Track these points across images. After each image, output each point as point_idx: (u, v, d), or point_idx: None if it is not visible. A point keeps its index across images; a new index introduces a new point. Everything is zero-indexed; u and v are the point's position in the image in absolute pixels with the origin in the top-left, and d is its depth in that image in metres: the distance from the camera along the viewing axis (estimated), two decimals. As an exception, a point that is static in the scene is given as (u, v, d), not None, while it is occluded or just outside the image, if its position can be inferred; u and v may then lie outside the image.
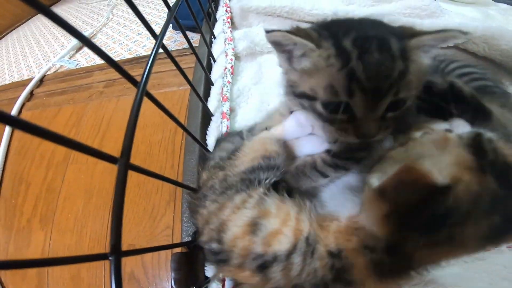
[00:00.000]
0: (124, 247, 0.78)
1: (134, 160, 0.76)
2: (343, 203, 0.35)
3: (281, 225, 0.33)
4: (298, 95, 0.34)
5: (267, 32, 0.31)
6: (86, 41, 0.24)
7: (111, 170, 0.71)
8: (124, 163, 0.24)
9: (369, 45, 0.28)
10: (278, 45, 0.32)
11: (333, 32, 0.31)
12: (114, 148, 0.75)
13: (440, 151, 0.26)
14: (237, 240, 0.33)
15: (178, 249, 0.44)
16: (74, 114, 0.85)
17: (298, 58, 0.32)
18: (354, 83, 0.28)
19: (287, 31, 0.30)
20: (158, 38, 0.36)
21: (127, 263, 0.64)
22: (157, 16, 1.29)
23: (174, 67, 0.80)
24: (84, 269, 0.64)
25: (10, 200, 0.70)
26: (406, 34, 0.30)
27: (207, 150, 0.50)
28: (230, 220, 0.34)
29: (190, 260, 0.41)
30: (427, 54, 0.32)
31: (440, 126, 0.34)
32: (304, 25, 0.72)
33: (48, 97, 0.93)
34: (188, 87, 0.64)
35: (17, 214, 0.68)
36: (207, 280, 0.44)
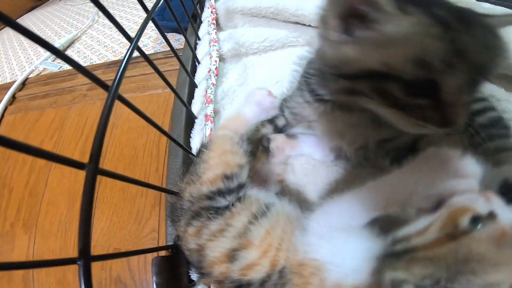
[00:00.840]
0: (110, 250, 0.77)
1: (119, 164, 0.76)
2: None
3: (260, 257, 0.32)
4: (353, 75, 0.27)
5: None
6: (53, 50, 0.24)
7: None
8: (92, 169, 0.24)
9: (467, 16, 0.24)
10: (340, 5, 0.26)
11: (415, 1, 0.25)
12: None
13: (497, 250, 0.21)
14: (215, 266, 0.34)
15: (163, 253, 0.44)
16: (57, 117, 0.83)
17: (371, 24, 0.25)
18: (457, 57, 0.23)
19: None
20: (132, 41, 0.36)
21: (113, 267, 0.63)
22: (141, 17, 1.29)
23: (160, 69, 0.79)
24: (70, 273, 0.64)
25: (-7, 205, 0.69)
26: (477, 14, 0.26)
27: (191, 153, 0.49)
28: (208, 247, 0.34)
29: (172, 264, 0.41)
30: None
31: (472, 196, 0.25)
32: (290, 26, 0.73)
33: (31, 100, 0.91)
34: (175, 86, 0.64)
35: (0, 218, 0.67)
36: (192, 284, 0.43)
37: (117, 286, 0.62)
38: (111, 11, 0.35)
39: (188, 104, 0.58)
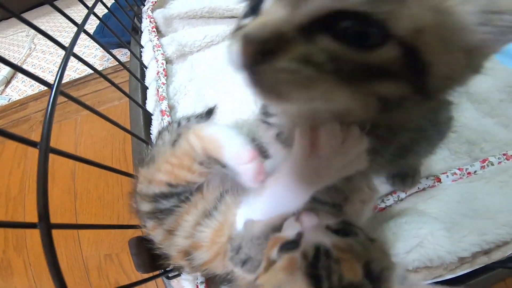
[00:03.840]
0: (101, 256, 0.81)
1: (90, 176, 0.81)
2: None
3: (213, 258, 0.33)
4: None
5: None
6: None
7: (68, 191, 0.73)
8: (44, 225, 0.27)
9: None
10: None
11: None
12: (66, 170, 0.76)
13: (289, 279, 0.23)
14: (178, 260, 0.36)
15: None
16: (19, 147, 0.83)
17: None
18: None
19: None
20: (67, 49, 0.39)
21: (109, 274, 0.66)
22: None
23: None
24: None
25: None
26: None
27: (149, 144, 0.55)
28: (165, 244, 0.36)
29: (150, 244, 0.39)
30: None
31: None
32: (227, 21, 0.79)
33: (-15, 136, 0.90)
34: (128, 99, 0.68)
35: None
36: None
37: None
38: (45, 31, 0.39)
39: (142, 106, 0.63)
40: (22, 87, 1.10)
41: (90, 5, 0.57)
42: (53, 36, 0.39)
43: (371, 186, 0.34)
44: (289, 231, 0.28)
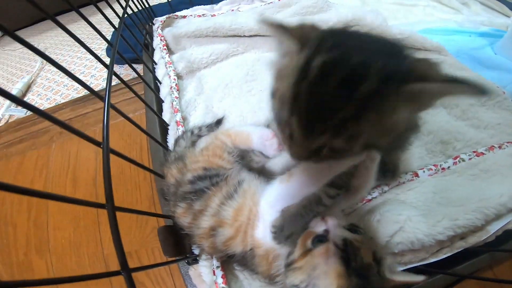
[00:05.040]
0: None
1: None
2: None
3: (235, 235, 0.41)
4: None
5: (263, 21, 0.30)
6: (11, 98, 0.27)
7: (90, 194, 0.80)
8: (111, 206, 0.32)
9: (334, 73, 0.25)
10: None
11: (330, 41, 0.27)
12: (87, 177, 0.83)
13: (325, 261, 0.33)
14: (202, 240, 0.43)
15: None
16: (39, 158, 0.90)
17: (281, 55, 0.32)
18: (296, 105, 0.27)
19: (281, 26, 0.29)
20: (110, 67, 0.47)
21: None
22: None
23: (127, 97, 0.94)
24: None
25: (1, 240, 0.75)
26: (412, 74, 0.25)
27: (170, 150, 0.63)
28: (194, 224, 0.43)
29: (174, 232, 0.47)
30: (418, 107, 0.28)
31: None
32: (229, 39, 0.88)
33: (8, 147, 0.96)
34: (143, 111, 0.76)
35: (12, 251, 0.73)
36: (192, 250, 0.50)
37: (137, 287, 0.72)
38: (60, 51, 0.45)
39: (159, 115, 0.71)
40: (38, 100, 1.17)
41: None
42: (64, 49, 0.45)
43: (371, 155, 0.39)
44: (318, 228, 0.38)
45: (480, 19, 1.03)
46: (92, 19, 0.46)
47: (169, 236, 0.47)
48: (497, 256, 0.54)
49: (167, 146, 0.66)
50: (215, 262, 0.49)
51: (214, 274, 0.48)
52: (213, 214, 0.42)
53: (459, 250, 0.49)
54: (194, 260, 0.52)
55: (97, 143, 0.35)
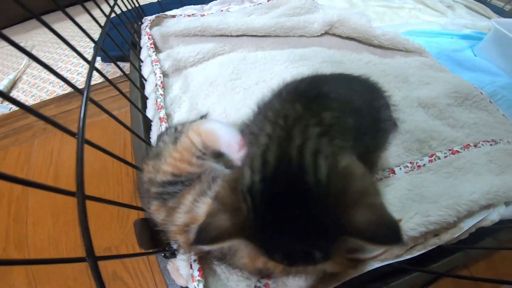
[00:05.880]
0: (101, 249, 0.88)
1: (91, 178, 0.91)
2: None
3: None
4: None
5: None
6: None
7: (73, 188, 0.79)
8: (81, 194, 0.32)
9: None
10: None
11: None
12: (69, 171, 0.82)
13: None
14: (177, 236, 0.43)
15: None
16: (22, 153, 0.89)
17: None
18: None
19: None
20: (91, 63, 0.47)
21: (108, 265, 0.70)
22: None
23: (112, 94, 0.93)
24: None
25: (-21, 236, 0.74)
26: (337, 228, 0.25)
27: (150, 145, 0.63)
28: (168, 220, 0.43)
29: (151, 225, 0.46)
30: None
31: None
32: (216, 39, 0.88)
33: (-9, 143, 0.95)
34: (128, 108, 0.76)
35: None
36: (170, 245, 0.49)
37: (116, 282, 0.68)
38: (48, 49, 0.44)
39: (143, 112, 0.71)
40: (23, 97, 1.15)
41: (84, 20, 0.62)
42: (51, 47, 0.44)
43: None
44: None
45: (463, 22, 1.06)
46: (82, 18, 0.45)
47: (145, 229, 0.46)
48: (472, 255, 0.55)
49: (150, 142, 0.66)
50: (193, 256, 0.49)
51: (191, 267, 0.49)
52: (186, 211, 0.42)
53: (433, 247, 0.50)
54: (173, 254, 0.51)
55: (72, 133, 0.34)
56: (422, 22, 1.08)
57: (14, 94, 1.20)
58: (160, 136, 0.63)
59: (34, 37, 1.66)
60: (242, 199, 0.27)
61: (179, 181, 0.45)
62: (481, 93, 0.75)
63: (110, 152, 0.43)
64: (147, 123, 0.70)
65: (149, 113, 0.72)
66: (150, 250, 0.47)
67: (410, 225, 0.49)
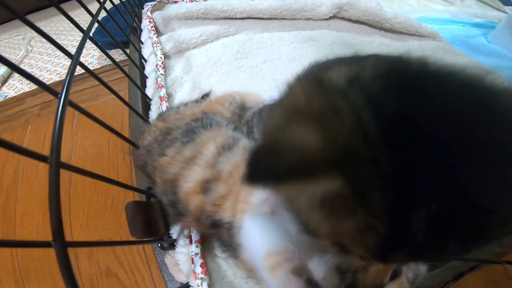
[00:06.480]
0: (95, 240, 0.79)
1: (85, 163, 0.84)
2: None
3: (228, 193, 0.33)
4: None
5: None
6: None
7: (64, 176, 0.74)
8: (54, 161, 0.26)
9: None
10: None
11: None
12: (63, 156, 0.77)
13: None
14: (190, 196, 0.35)
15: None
16: (14, 139, 0.84)
17: None
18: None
19: None
20: (73, 57, 0.38)
21: (100, 260, 0.65)
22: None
23: (111, 79, 0.88)
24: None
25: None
26: None
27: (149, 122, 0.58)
28: (182, 176, 0.35)
29: (146, 209, 0.40)
30: None
31: None
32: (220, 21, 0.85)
33: (-16, 130, 0.90)
34: (126, 91, 0.71)
35: None
36: (169, 233, 0.44)
37: (109, 278, 0.63)
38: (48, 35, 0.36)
39: (141, 89, 0.66)
40: (19, 85, 1.12)
41: (91, 9, 0.59)
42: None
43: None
44: None
45: (473, 11, 1.03)
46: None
47: (139, 214, 0.39)
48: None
49: (148, 120, 0.61)
50: (194, 249, 0.43)
51: (192, 262, 0.42)
52: (207, 164, 0.35)
53: None
54: (171, 245, 0.45)
55: (43, 159, 0.26)
56: (431, 10, 1.05)
57: (10, 83, 1.17)
58: (160, 115, 0.59)
59: (33, 31, 1.65)
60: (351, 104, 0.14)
61: (204, 117, 0.42)
62: (501, 76, 0.72)
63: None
64: (146, 102, 0.66)
65: (149, 91, 0.67)
66: (140, 239, 0.39)
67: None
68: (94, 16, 0.56)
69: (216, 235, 0.40)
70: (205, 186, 0.34)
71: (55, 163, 0.27)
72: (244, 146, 0.37)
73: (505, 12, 1.06)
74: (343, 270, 0.28)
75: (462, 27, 0.98)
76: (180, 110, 0.49)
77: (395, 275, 0.29)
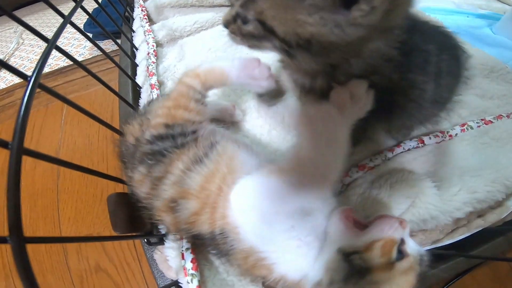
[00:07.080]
0: (83, 235, 0.77)
1: (74, 154, 0.80)
2: None
3: (201, 209, 0.32)
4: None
5: None
6: None
7: (51, 169, 0.70)
8: (16, 147, 0.24)
9: None
10: None
11: None
12: (50, 147, 0.74)
13: (405, 276, 0.29)
14: (163, 214, 0.34)
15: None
16: (3, 131, 0.82)
17: None
18: None
19: None
20: (50, 41, 0.36)
21: (90, 256, 0.63)
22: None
23: (101, 69, 0.84)
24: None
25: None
26: None
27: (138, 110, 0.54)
28: (153, 194, 0.35)
29: (130, 201, 0.38)
30: None
31: None
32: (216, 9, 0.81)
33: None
34: (116, 81, 0.68)
35: None
36: (157, 228, 0.41)
37: (99, 274, 0.61)
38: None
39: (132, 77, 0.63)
40: (9, 77, 1.09)
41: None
42: (42, 32, 0.36)
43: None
44: (396, 233, 0.30)
45: (478, 2, 1.00)
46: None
47: (121, 207, 0.37)
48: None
49: (137, 109, 0.58)
50: (185, 244, 0.40)
51: (183, 258, 0.39)
52: (174, 182, 0.34)
53: (478, 229, 0.43)
54: (161, 240, 0.42)
55: (3, 144, 0.24)
56: (436, 0, 1.02)
57: (1, 74, 1.13)
58: (150, 102, 0.55)
59: (31, 22, 1.63)
60: None
61: (170, 135, 0.36)
62: (507, 66, 0.69)
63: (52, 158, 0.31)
64: (136, 91, 0.62)
65: (139, 79, 0.64)
66: (123, 235, 0.37)
67: (455, 204, 0.41)
68: (77, 2, 0.53)
69: (203, 245, 0.38)
70: (173, 205, 0.33)
71: (17, 149, 0.24)
72: (218, 153, 0.36)
73: (510, 5, 1.03)
74: (347, 253, 0.30)
75: (467, 18, 0.95)
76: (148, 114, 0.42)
77: (402, 256, 0.29)
